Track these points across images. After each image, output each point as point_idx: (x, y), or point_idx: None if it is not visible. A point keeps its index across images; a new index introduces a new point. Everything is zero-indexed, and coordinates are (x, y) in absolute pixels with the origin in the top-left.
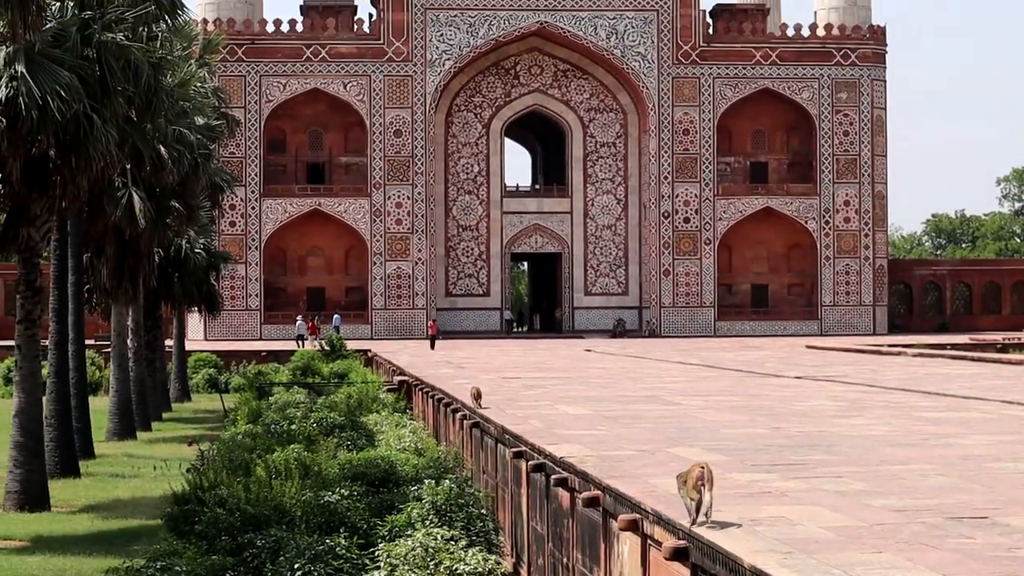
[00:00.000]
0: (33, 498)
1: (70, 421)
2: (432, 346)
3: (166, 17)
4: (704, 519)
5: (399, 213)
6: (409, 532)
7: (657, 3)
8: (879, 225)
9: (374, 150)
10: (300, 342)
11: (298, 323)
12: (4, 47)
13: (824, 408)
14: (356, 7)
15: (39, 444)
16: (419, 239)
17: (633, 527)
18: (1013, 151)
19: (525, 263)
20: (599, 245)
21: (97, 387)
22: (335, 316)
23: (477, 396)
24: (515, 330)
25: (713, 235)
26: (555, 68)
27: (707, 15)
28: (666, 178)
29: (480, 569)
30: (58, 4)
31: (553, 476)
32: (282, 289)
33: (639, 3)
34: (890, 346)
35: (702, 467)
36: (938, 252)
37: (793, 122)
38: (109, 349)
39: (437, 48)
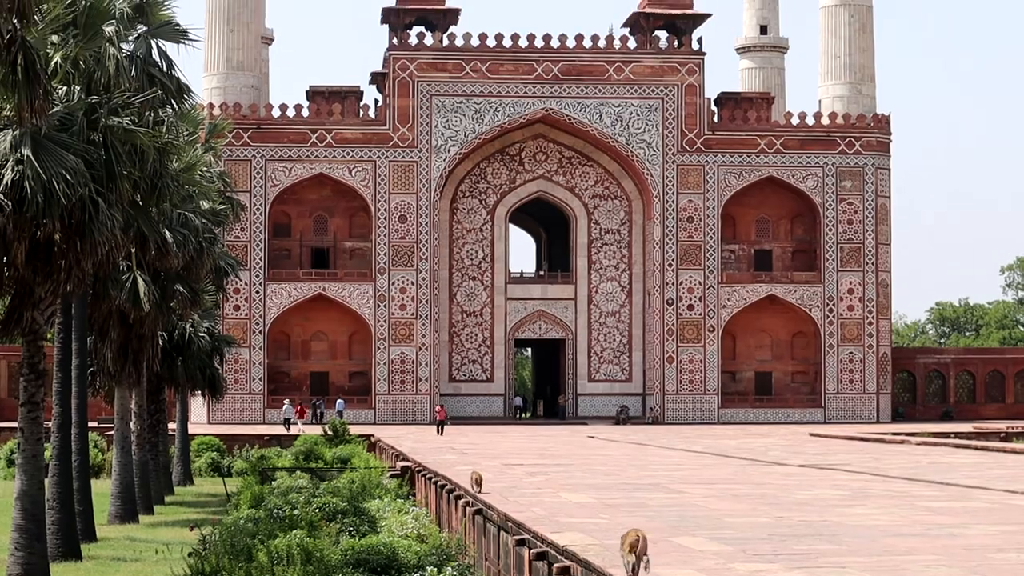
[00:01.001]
0: None
1: (72, 504)
2: (440, 431)
3: (172, 102)
4: None
5: (403, 298)
6: None
7: (662, 91)
8: (883, 313)
9: (379, 235)
10: (287, 426)
11: (285, 407)
12: (11, 130)
13: (827, 497)
14: (362, 93)
15: (41, 527)
16: (423, 324)
17: None
18: (1017, 240)
19: (529, 349)
20: (603, 332)
21: (100, 470)
22: (339, 401)
23: (478, 482)
24: (520, 416)
25: (717, 322)
26: (560, 155)
27: (712, 103)
28: (670, 265)
29: None
30: (65, 88)
31: (556, 565)
32: (286, 373)
33: (644, 91)
34: (894, 435)
35: (638, 535)
36: (942, 340)
37: (797, 210)
38: (112, 432)
39: (442, 134)
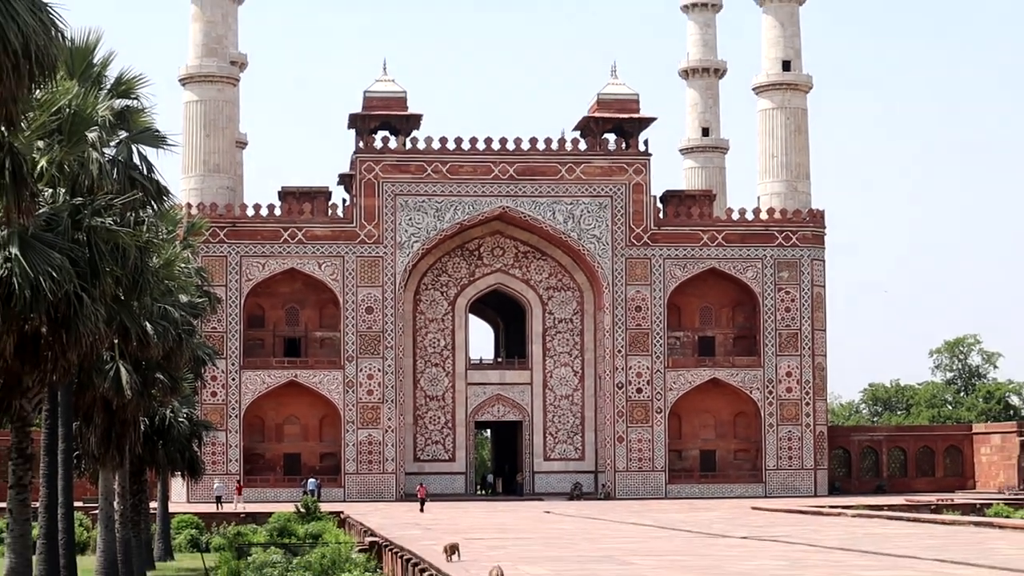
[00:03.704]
0: None
1: None
2: (422, 508)
3: (152, 203)
4: None
5: (370, 384)
6: None
7: (611, 189)
8: (819, 394)
9: (347, 326)
10: (219, 504)
11: (216, 484)
12: (1, 231)
13: (768, 567)
14: (330, 193)
15: None
16: (389, 408)
17: None
18: (945, 325)
19: (488, 430)
20: (557, 414)
21: (85, 547)
22: (311, 480)
23: (455, 550)
24: (480, 492)
25: (664, 404)
26: (516, 249)
27: (657, 200)
28: (620, 351)
29: None
30: (50, 191)
31: None
32: (260, 455)
33: (594, 190)
34: (831, 507)
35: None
36: (875, 419)
37: (738, 299)
38: (96, 511)
39: (406, 231)
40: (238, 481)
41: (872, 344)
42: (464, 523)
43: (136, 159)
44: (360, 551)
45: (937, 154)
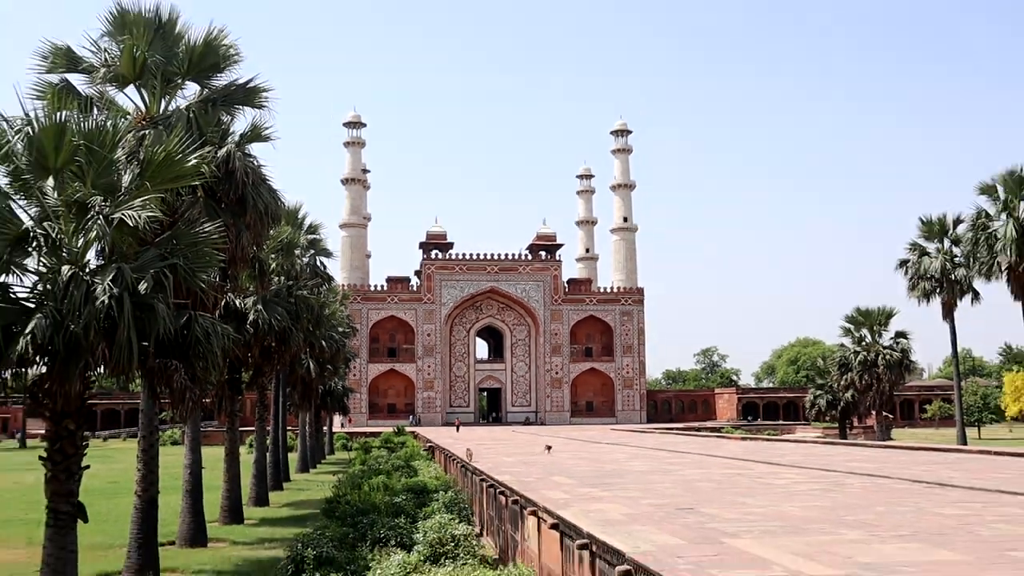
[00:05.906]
0: (260, 500)
1: (279, 464)
2: (457, 431)
3: (326, 284)
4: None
5: (429, 370)
6: (433, 516)
7: (543, 278)
8: (642, 375)
9: (418, 342)
10: (343, 426)
11: (340, 419)
12: (252, 297)
13: (620, 457)
14: (409, 279)
15: (263, 474)
16: (438, 382)
17: (534, 514)
18: (700, 338)
19: (485, 392)
20: (518, 384)
21: (291, 448)
22: (411, 416)
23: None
24: (482, 422)
25: (568, 379)
26: (499, 306)
27: (565, 283)
28: (547, 355)
29: (465, 532)
30: (277, 278)
31: (498, 490)
32: (376, 404)
33: (536, 278)
34: (649, 429)
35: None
36: (669, 386)
37: (603, 329)
38: (298, 431)
39: (446, 298)
40: (349, 416)
41: (666, 350)
42: (473, 436)
43: (318, 263)
44: (424, 451)
45: (706, 252)
